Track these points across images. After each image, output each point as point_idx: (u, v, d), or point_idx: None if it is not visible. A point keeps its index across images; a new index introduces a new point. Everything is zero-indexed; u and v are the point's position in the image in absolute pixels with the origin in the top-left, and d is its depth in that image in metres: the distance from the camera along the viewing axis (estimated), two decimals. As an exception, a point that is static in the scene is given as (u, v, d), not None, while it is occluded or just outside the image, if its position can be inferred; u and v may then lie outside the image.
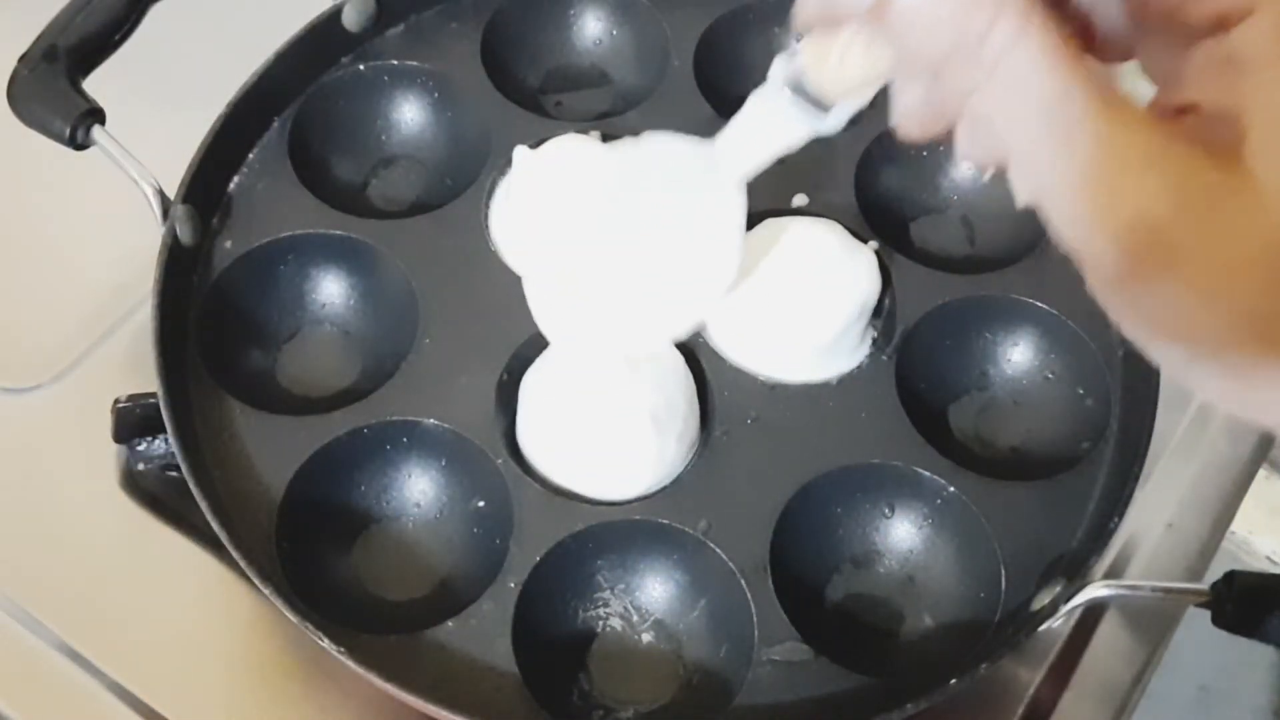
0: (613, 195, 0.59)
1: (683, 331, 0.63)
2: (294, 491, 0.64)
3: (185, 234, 0.69)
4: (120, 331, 0.78)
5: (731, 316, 0.70)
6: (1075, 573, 0.62)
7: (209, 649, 0.68)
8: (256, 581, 0.59)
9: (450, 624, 0.61)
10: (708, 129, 0.77)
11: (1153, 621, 0.71)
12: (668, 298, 0.60)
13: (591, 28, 0.83)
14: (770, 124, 0.53)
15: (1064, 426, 0.70)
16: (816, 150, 0.76)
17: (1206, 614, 0.60)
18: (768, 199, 0.74)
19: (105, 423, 0.70)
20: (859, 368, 0.70)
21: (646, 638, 0.65)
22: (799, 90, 0.50)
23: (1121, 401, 0.69)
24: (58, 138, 0.68)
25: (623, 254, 0.60)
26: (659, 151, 0.59)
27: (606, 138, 0.73)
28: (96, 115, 0.68)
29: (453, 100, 0.78)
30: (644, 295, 0.60)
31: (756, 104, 0.54)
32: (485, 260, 0.72)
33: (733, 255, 0.59)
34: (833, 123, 0.51)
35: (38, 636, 0.68)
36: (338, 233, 0.72)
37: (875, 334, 0.71)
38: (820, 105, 0.50)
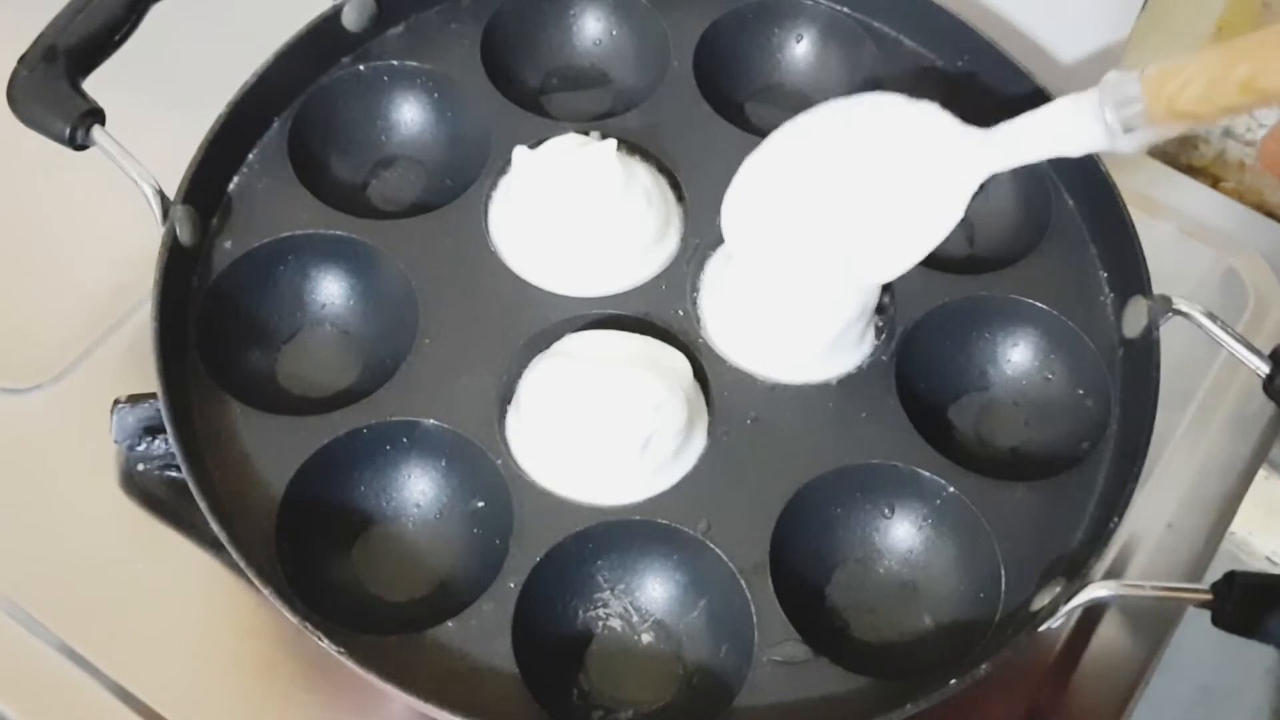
0: (834, 144, 0.65)
1: (888, 276, 0.66)
2: (294, 492, 0.64)
3: (185, 234, 0.69)
4: (120, 331, 0.78)
5: (732, 317, 0.70)
6: (1075, 573, 0.62)
7: (209, 649, 0.68)
8: (256, 582, 0.59)
9: (450, 624, 0.61)
10: (708, 129, 0.77)
11: (1153, 621, 0.71)
12: (871, 245, 0.64)
13: (591, 28, 0.83)
14: (1073, 128, 0.58)
15: (1064, 426, 0.70)
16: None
17: (1206, 614, 0.60)
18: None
19: (105, 423, 0.70)
20: (859, 368, 0.70)
21: (646, 638, 0.65)
22: (1122, 104, 0.55)
23: (1121, 401, 0.69)
24: (58, 138, 0.68)
25: (840, 194, 0.64)
26: (890, 110, 0.64)
27: (606, 138, 0.73)
28: (96, 115, 0.68)
29: (453, 100, 0.78)
30: (857, 236, 0.64)
31: (1066, 107, 0.59)
32: (485, 260, 0.72)
33: (946, 224, 0.63)
34: (1131, 145, 0.56)
35: (38, 636, 0.68)
36: (338, 233, 0.72)
37: (876, 334, 0.71)
38: (1130, 127, 0.56)
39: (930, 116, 0.63)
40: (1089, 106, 0.57)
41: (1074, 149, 0.59)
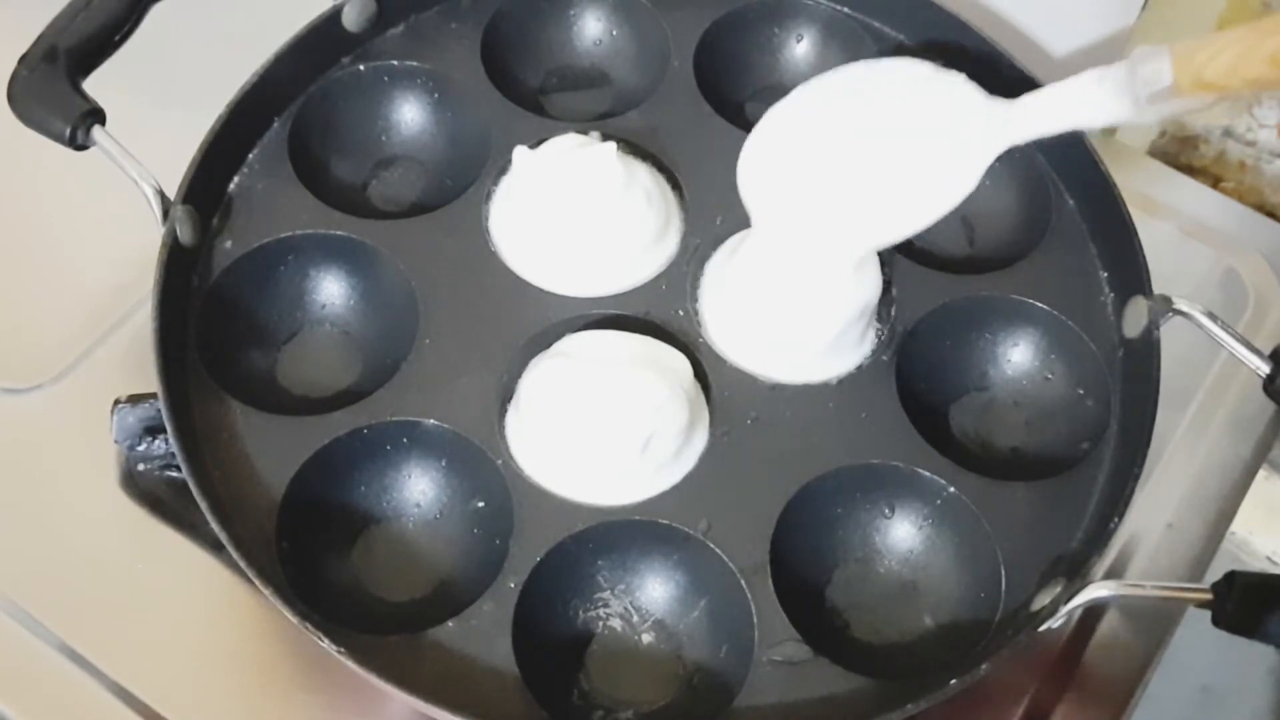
0: (859, 99, 0.65)
1: (891, 240, 0.66)
2: (294, 492, 0.64)
3: (185, 234, 0.69)
4: (120, 331, 0.78)
5: (732, 317, 0.70)
6: (1075, 573, 0.62)
7: (209, 649, 0.68)
8: (256, 582, 0.59)
9: (450, 624, 0.61)
10: (708, 129, 0.77)
11: (1153, 621, 0.71)
12: (891, 202, 0.64)
13: (591, 28, 0.84)
14: (1098, 99, 0.59)
15: (1064, 426, 0.70)
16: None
17: (1206, 614, 0.60)
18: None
19: (105, 423, 0.70)
20: (859, 368, 0.70)
21: (646, 638, 0.65)
22: (1150, 77, 0.56)
23: (1121, 401, 0.69)
24: (58, 138, 0.68)
25: (858, 149, 0.65)
26: (915, 75, 0.65)
27: (606, 138, 0.73)
28: (96, 115, 0.68)
29: (453, 100, 0.78)
30: (868, 193, 0.64)
31: (1093, 78, 0.59)
32: (485, 260, 0.72)
33: (960, 191, 0.63)
34: (1154, 116, 0.57)
35: (38, 636, 0.68)
36: (338, 233, 0.72)
37: (876, 334, 0.71)
38: (1156, 98, 0.56)
39: (957, 84, 0.64)
40: (1115, 78, 0.58)
41: (1097, 121, 0.61)
